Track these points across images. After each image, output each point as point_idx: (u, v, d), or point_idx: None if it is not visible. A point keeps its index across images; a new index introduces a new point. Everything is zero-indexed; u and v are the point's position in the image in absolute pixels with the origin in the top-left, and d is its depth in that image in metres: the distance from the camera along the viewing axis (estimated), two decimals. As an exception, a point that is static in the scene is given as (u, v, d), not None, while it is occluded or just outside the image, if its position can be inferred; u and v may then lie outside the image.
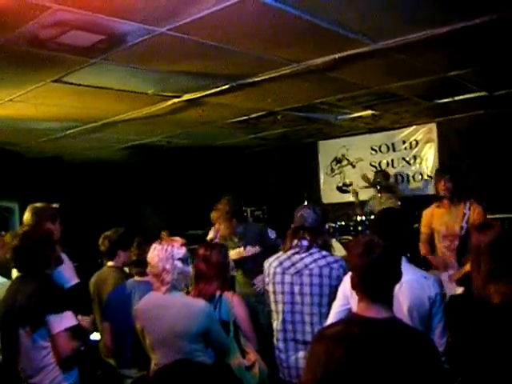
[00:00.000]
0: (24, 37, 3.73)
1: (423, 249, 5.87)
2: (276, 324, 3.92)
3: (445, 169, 6.19)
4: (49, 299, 3.46)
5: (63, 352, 3.46)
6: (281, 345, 3.86)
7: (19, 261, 3.66)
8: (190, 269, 3.67)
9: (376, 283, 2.48)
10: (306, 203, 7.57)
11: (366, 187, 8.98)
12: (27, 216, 4.48)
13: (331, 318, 3.34)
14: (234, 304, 3.89)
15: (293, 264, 3.83)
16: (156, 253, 3.55)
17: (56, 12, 3.32)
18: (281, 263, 3.89)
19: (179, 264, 3.53)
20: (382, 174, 8.95)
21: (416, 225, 6.63)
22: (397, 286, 2.57)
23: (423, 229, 5.93)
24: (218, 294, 3.86)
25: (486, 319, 3.36)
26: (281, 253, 3.99)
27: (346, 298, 3.29)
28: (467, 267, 5.19)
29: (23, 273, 3.69)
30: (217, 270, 3.97)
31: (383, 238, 2.59)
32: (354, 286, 2.58)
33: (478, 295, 3.38)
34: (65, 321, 3.45)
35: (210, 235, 6.52)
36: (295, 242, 3.89)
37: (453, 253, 5.56)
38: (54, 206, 4.69)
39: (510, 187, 7.86)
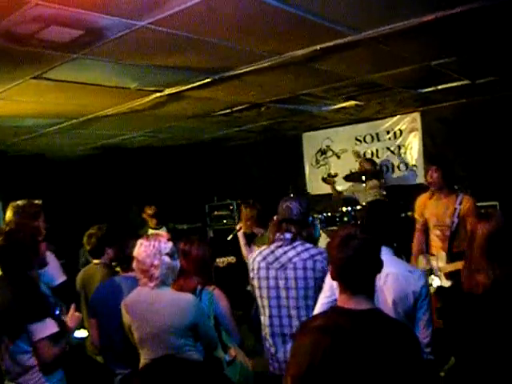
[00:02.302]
0: (2, 32, 3.67)
1: (416, 240, 5.88)
2: (263, 319, 3.92)
3: (431, 159, 6.16)
4: (28, 307, 3.40)
5: (44, 359, 3.44)
6: (269, 339, 3.87)
7: (1, 261, 3.62)
8: (178, 263, 3.67)
9: (354, 275, 2.50)
10: (291, 195, 7.56)
11: (349, 177, 8.98)
12: (9, 214, 4.43)
13: (317, 310, 3.35)
14: (216, 298, 3.89)
15: (276, 258, 3.82)
16: (143, 248, 3.54)
17: (34, 7, 3.28)
18: (264, 258, 3.88)
19: (167, 259, 3.53)
20: (370, 162, 8.97)
21: (403, 214, 6.68)
22: (382, 279, 2.59)
23: (417, 216, 5.96)
24: (199, 288, 3.85)
25: (471, 309, 3.41)
26: (264, 246, 3.97)
27: (332, 289, 3.30)
28: (458, 265, 5.26)
29: (5, 273, 3.64)
30: (196, 264, 3.96)
31: (370, 231, 2.60)
32: (333, 278, 2.60)
33: (465, 285, 3.42)
34: (45, 329, 3.41)
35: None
36: (278, 235, 3.87)
37: (443, 243, 5.60)
38: (37, 202, 4.63)
39: (493, 175, 7.91)
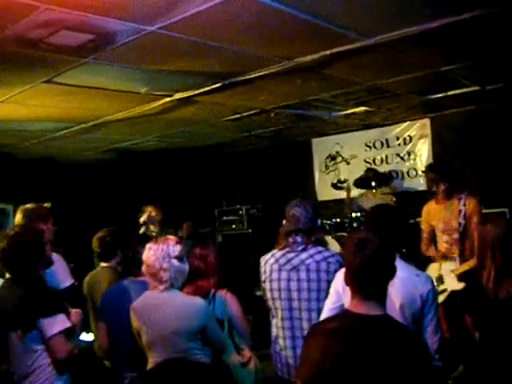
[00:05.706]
0: (13, 37, 3.71)
1: (424, 246, 5.87)
2: (274, 321, 3.91)
3: (436, 167, 6.16)
4: (40, 302, 3.44)
5: (59, 355, 3.46)
6: (280, 342, 3.85)
7: (8, 263, 3.64)
8: (187, 266, 3.67)
9: (368, 281, 2.50)
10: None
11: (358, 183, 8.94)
12: (18, 217, 4.45)
13: (324, 315, 3.32)
14: (228, 301, 3.89)
15: (288, 260, 3.82)
16: (152, 252, 3.55)
17: (44, 12, 3.30)
18: (277, 260, 3.87)
19: (176, 262, 3.54)
20: (373, 172, 8.92)
21: (411, 220, 6.67)
22: (389, 283, 2.58)
23: (423, 226, 5.95)
24: (212, 291, 3.86)
25: (494, 313, 3.43)
26: (276, 250, 3.97)
27: (339, 294, 3.28)
28: (469, 264, 5.25)
29: (12, 275, 3.66)
30: (214, 267, 3.97)
31: (376, 235, 2.59)
32: (347, 283, 2.59)
33: (489, 290, 3.44)
34: (58, 324, 3.44)
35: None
36: (290, 239, 3.86)
37: (453, 246, 5.60)
38: (46, 205, 4.65)
39: (503, 181, 7.87)
